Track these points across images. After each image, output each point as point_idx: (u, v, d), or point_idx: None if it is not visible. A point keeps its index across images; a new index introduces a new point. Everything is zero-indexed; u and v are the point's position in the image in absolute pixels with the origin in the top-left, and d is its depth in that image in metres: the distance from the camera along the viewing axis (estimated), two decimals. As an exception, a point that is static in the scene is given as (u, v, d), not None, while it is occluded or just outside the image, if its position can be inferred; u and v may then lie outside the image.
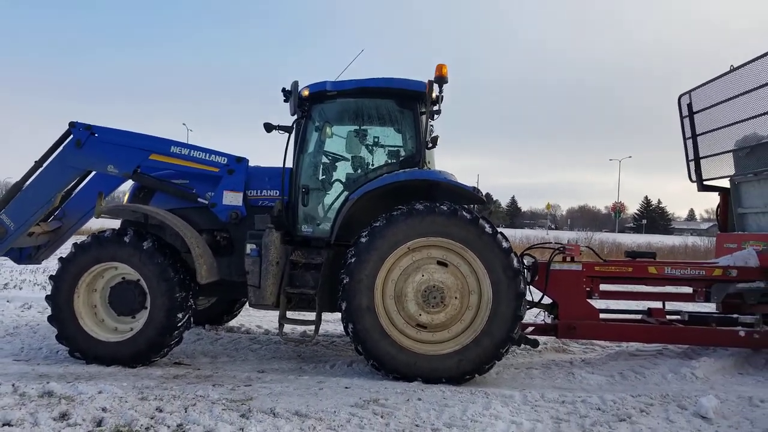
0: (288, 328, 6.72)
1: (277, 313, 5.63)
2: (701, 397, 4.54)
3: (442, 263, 5.21)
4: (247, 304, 6.69)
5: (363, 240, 5.12)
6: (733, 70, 6.47)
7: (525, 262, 6.51)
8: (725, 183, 7.29)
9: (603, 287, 6.66)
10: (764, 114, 6.10)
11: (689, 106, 7.47)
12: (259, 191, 5.95)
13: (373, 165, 6.00)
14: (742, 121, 6.53)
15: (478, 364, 5.08)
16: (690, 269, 6.44)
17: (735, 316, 6.33)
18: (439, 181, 5.43)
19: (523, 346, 6.11)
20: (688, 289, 6.60)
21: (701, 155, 7.45)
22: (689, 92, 7.40)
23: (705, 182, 7.53)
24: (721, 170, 7.17)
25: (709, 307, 7.31)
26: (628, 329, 6.43)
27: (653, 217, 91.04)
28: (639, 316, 6.84)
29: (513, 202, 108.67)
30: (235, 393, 4.55)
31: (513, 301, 5.11)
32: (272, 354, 6.30)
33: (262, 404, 4.23)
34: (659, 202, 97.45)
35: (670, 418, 4.24)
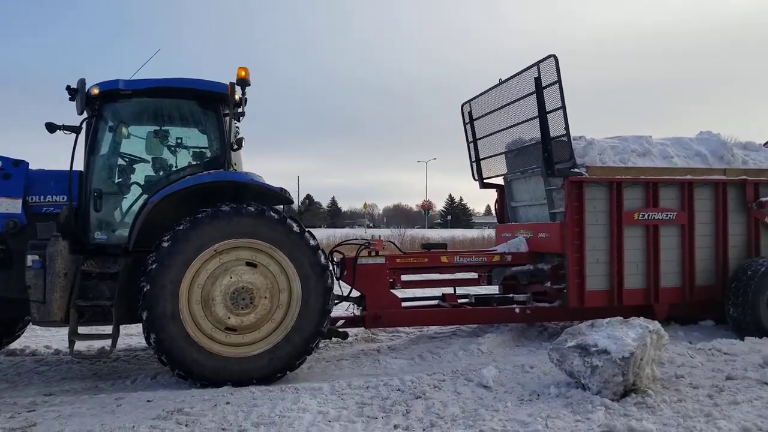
0: (83, 345, 6.19)
1: (67, 329, 5.17)
2: (483, 369, 5.15)
3: (251, 264, 5.24)
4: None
5: (165, 245, 4.94)
6: (501, 82, 7.45)
7: (334, 258, 6.85)
8: (501, 181, 8.35)
9: (404, 277, 7.25)
10: (526, 121, 7.12)
11: (470, 113, 8.41)
12: (42, 197, 5.41)
13: (175, 167, 5.80)
14: (509, 127, 7.55)
15: (290, 361, 5.22)
16: (474, 257, 7.30)
17: (511, 295, 7.32)
18: (245, 182, 5.45)
19: (334, 339, 6.40)
20: (475, 275, 7.43)
21: (481, 157, 8.44)
22: (470, 101, 8.34)
23: (485, 180, 8.55)
24: (496, 170, 8.21)
25: (494, 290, 8.31)
26: (426, 314, 7.09)
27: (457, 213, 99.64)
28: (436, 302, 7.56)
29: (333, 203, 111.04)
30: (15, 421, 4.10)
31: (322, 297, 5.33)
32: (63, 375, 5.75)
33: (48, 429, 3.89)
34: (461, 199, 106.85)
35: (458, 390, 4.74)
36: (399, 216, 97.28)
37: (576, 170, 6.79)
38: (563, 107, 6.41)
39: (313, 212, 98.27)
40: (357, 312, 6.91)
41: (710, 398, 4.51)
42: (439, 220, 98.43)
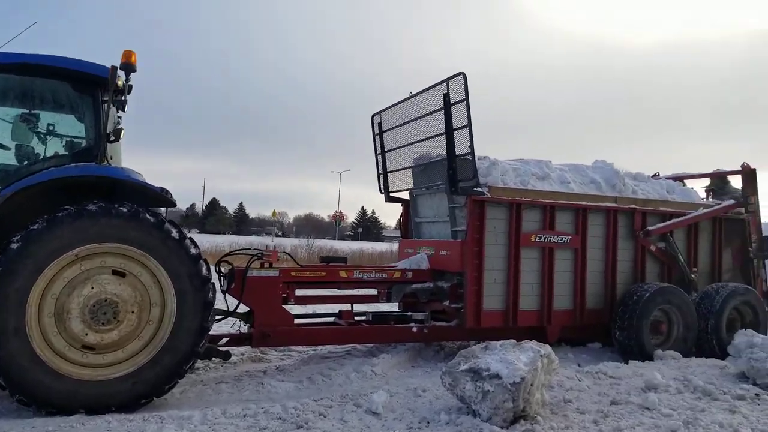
0: None
1: None
2: (373, 394, 4.87)
3: (119, 273, 4.65)
4: None
5: (14, 246, 4.25)
6: (411, 96, 7.31)
7: (221, 269, 6.35)
8: (407, 195, 8.20)
9: (299, 292, 6.86)
10: (433, 137, 7.01)
11: (380, 125, 8.22)
12: None
13: (39, 157, 5.10)
14: (417, 141, 7.41)
15: (157, 385, 4.65)
16: (375, 272, 7.04)
17: (409, 313, 7.13)
18: (119, 178, 4.85)
19: (215, 359, 5.89)
20: (375, 291, 7.19)
21: (388, 170, 8.26)
22: (380, 112, 8.15)
23: (391, 194, 8.37)
24: (403, 184, 8.05)
25: (395, 307, 8.11)
26: (320, 333, 6.72)
27: (368, 226, 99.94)
28: (332, 319, 7.23)
29: (241, 209, 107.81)
30: None
31: (200, 313, 4.84)
32: None
33: None
34: (373, 212, 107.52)
35: (344, 419, 4.42)
36: (309, 226, 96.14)
37: (479, 189, 6.74)
38: (469, 125, 6.34)
39: (217, 217, 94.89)
40: (244, 329, 6.43)
41: (596, 424, 4.50)
42: (350, 232, 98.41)
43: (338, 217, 67.55)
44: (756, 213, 8.14)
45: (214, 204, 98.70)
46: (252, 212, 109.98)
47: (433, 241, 7.43)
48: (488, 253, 6.73)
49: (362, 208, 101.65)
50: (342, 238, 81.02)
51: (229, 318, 6.31)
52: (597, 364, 6.44)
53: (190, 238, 4.93)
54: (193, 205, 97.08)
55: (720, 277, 7.94)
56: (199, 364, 6.25)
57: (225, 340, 6.17)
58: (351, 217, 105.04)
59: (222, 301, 6.15)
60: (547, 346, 4.91)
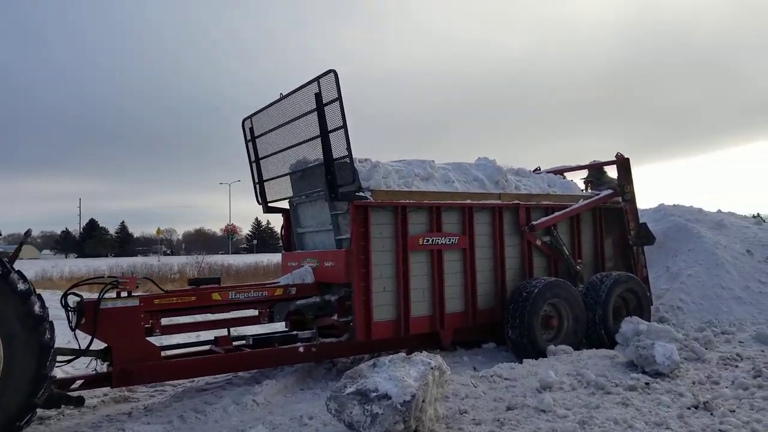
0: None
1: None
2: (252, 429, 4.30)
3: None
4: None
5: None
6: (283, 97, 6.78)
7: (69, 303, 5.46)
8: (286, 204, 7.63)
9: (165, 321, 6.10)
10: (308, 141, 6.52)
11: (251, 130, 7.60)
12: None
13: None
14: (292, 146, 6.89)
15: (-17, 450, 3.81)
16: (254, 291, 6.43)
17: (295, 332, 6.58)
18: None
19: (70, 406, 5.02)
20: (255, 312, 6.57)
21: (264, 178, 7.65)
22: (251, 117, 7.53)
23: (269, 204, 7.77)
24: (281, 192, 7.48)
25: (279, 327, 7.52)
26: (192, 364, 5.99)
27: (264, 238, 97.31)
28: (208, 347, 6.53)
29: (123, 228, 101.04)
30: None
31: (35, 358, 4.08)
32: None
33: None
34: (269, 223, 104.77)
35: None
36: (200, 241, 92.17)
37: (361, 194, 6.35)
38: (344, 126, 5.92)
39: (97, 239, 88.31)
40: (103, 368, 5.57)
41: (492, 436, 4.22)
42: (245, 245, 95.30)
43: (230, 231, 65.14)
44: (632, 201, 8.41)
45: (92, 225, 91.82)
46: (136, 231, 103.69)
47: (317, 252, 6.94)
48: (375, 260, 6.35)
49: (256, 219, 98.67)
50: (237, 251, 78.20)
51: (82, 357, 5.44)
52: (492, 365, 6.25)
53: (18, 272, 4.12)
54: (66, 231, 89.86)
55: (603, 266, 8.12)
56: (50, 413, 5.35)
57: (78, 383, 5.30)
58: (245, 229, 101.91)
59: (75, 339, 5.34)
60: (438, 356, 4.60)
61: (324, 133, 6.12)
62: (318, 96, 6.10)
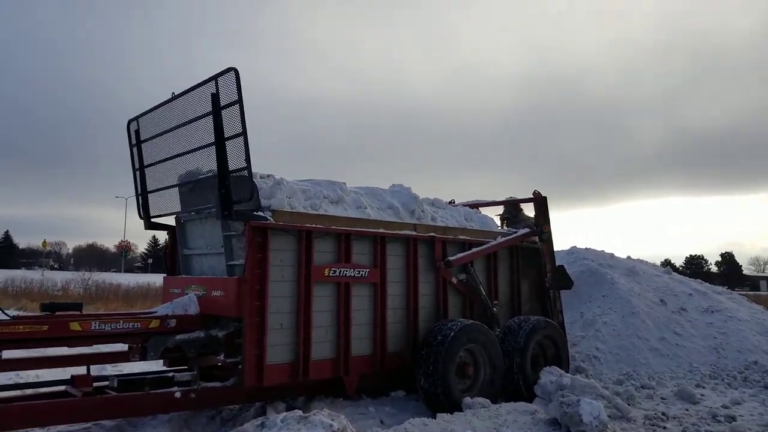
0: None
1: None
2: None
3: None
4: None
5: None
6: (175, 97, 5.83)
7: None
8: (173, 221, 6.59)
9: (8, 355, 4.92)
10: (200, 148, 5.60)
11: (137, 133, 6.55)
12: None
13: None
14: (182, 154, 5.92)
15: None
16: (123, 322, 5.32)
17: (171, 374, 5.52)
18: None
19: None
20: (124, 346, 5.47)
21: (148, 189, 6.58)
22: (137, 118, 6.49)
23: (152, 219, 6.68)
24: (167, 206, 6.44)
25: (153, 366, 6.40)
26: (39, 409, 4.79)
27: (160, 257, 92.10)
28: (63, 388, 5.33)
29: (7, 238, 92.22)
30: None
31: None
32: None
33: None
34: (167, 241, 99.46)
35: None
36: (92, 257, 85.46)
37: (260, 214, 5.49)
38: (244, 134, 5.08)
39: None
40: None
41: None
42: (139, 264, 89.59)
43: (124, 248, 60.86)
44: (549, 242, 8.06)
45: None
46: (22, 242, 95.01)
47: (205, 279, 5.94)
48: (273, 291, 5.47)
49: (153, 237, 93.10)
50: (130, 270, 73.09)
51: None
52: (402, 417, 5.52)
53: None
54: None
55: (520, 309, 7.65)
56: None
57: None
58: (141, 247, 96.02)
59: None
60: (342, 417, 3.79)
61: (219, 141, 5.24)
62: (215, 97, 5.23)
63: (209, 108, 5.30)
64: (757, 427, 5.88)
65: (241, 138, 5.10)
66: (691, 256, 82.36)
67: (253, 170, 6.01)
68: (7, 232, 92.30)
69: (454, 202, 8.69)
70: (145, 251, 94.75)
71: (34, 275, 34.01)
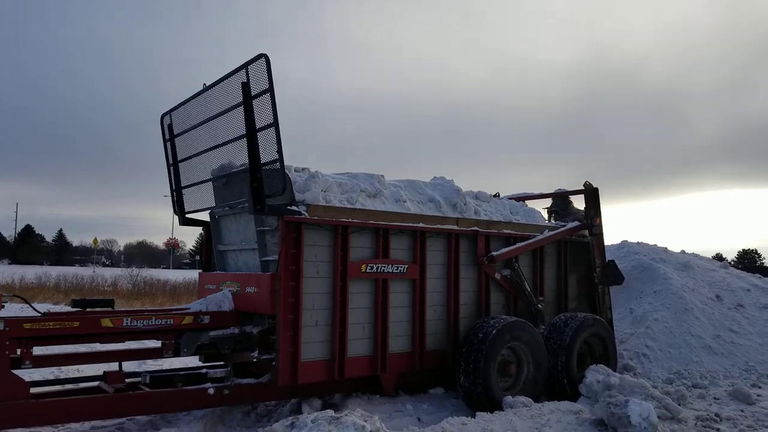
0: None
1: None
2: None
3: None
4: None
5: None
6: (207, 88, 5.72)
7: None
8: (207, 216, 6.50)
9: (39, 351, 4.91)
10: (232, 141, 5.47)
11: (170, 127, 6.48)
12: None
13: None
14: (215, 147, 5.81)
15: None
16: (156, 318, 5.25)
17: (204, 370, 5.44)
18: None
19: None
20: (158, 343, 5.41)
21: (183, 184, 6.52)
22: (170, 112, 6.42)
23: (187, 215, 6.62)
24: (202, 202, 6.35)
25: (188, 362, 6.36)
26: (71, 405, 4.79)
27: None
28: (97, 383, 5.32)
29: (60, 236, 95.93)
30: None
31: None
32: None
33: None
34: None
35: None
36: (142, 254, 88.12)
37: (293, 208, 5.33)
38: (276, 124, 4.91)
39: (32, 246, 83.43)
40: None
41: None
42: (187, 260, 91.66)
43: (172, 245, 62.42)
44: (600, 236, 7.65)
45: (28, 231, 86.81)
46: (75, 240, 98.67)
47: (239, 275, 5.83)
48: (307, 288, 5.31)
49: (201, 234, 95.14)
50: (179, 266, 74.84)
51: None
52: (440, 416, 5.30)
53: None
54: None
55: (566, 306, 7.28)
56: None
57: None
58: (189, 243, 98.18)
59: None
60: (375, 419, 3.58)
61: (251, 132, 5.09)
62: (245, 86, 5.08)
63: (240, 98, 5.16)
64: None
65: (273, 129, 4.93)
66: (743, 249, 78.76)
67: (287, 163, 5.94)
68: (60, 230, 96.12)
69: (499, 195, 8.36)
70: (193, 248, 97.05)
71: (86, 272, 35.16)
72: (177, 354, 5.41)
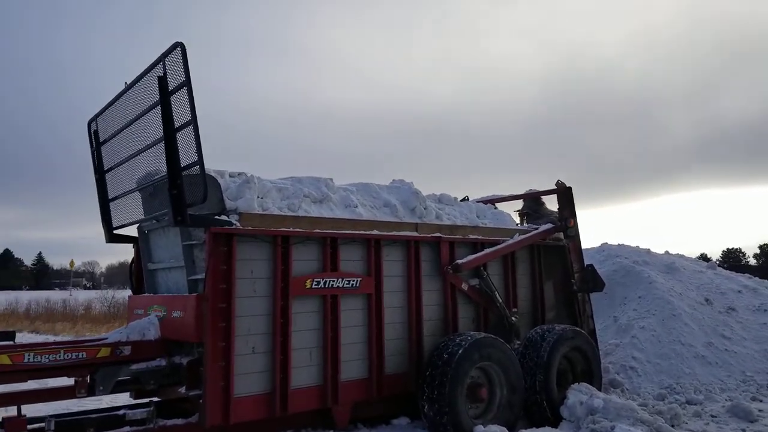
0: None
1: None
2: None
3: None
4: None
5: None
6: (127, 88, 5.03)
7: None
8: (136, 231, 5.78)
9: None
10: (154, 144, 4.76)
11: (96, 134, 5.78)
12: None
13: None
14: (137, 153, 5.10)
15: None
16: (65, 353, 4.51)
17: (121, 411, 4.70)
18: None
19: None
20: (70, 380, 4.66)
21: (109, 196, 5.80)
22: (96, 117, 5.71)
23: (115, 231, 5.89)
24: (131, 215, 5.61)
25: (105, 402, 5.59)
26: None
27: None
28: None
29: (40, 260, 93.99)
30: None
31: None
32: None
33: None
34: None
35: None
36: (124, 275, 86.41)
37: (223, 218, 4.64)
38: (194, 122, 4.24)
39: (11, 271, 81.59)
40: None
41: None
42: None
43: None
44: (576, 238, 7.02)
45: (6, 255, 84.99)
46: (55, 263, 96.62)
47: (167, 297, 5.11)
48: (242, 310, 4.62)
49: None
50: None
51: None
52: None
53: None
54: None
55: (543, 317, 6.62)
56: None
57: None
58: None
59: None
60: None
61: (169, 133, 4.41)
62: (162, 81, 4.40)
63: (158, 95, 4.48)
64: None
65: (191, 127, 4.26)
66: (728, 249, 78.88)
67: (222, 169, 5.26)
68: (39, 254, 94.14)
69: (468, 198, 7.72)
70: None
71: (63, 296, 34.04)
72: (92, 393, 4.67)
